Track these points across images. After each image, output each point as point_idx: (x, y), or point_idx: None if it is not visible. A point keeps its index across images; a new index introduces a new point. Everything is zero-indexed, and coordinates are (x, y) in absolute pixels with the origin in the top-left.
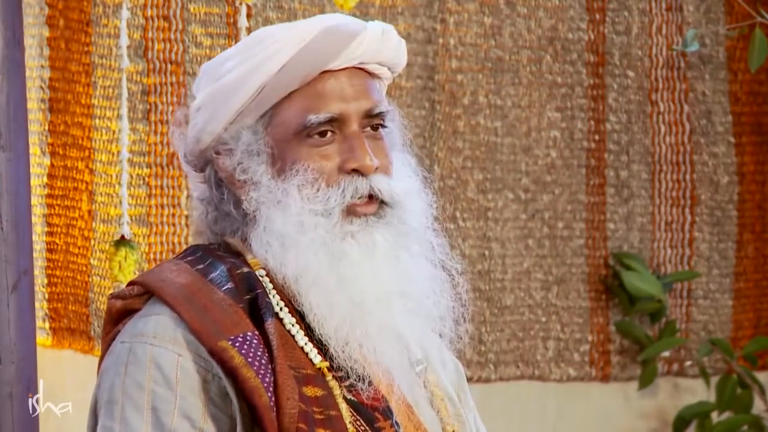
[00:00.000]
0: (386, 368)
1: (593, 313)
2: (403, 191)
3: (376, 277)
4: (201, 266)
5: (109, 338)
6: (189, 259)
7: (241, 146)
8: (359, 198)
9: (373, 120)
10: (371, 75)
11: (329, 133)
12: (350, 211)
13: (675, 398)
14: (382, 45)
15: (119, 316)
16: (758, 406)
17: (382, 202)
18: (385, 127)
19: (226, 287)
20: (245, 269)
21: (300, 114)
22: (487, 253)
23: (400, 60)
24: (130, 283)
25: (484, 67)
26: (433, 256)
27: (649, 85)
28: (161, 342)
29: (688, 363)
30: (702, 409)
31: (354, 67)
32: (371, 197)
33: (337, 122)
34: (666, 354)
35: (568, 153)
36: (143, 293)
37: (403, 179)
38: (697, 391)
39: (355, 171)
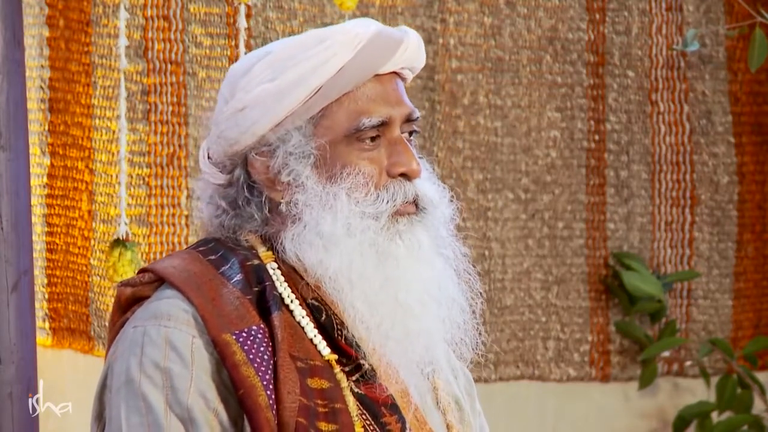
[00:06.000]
0: (397, 366)
1: (593, 313)
2: (439, 196)
3: (418, 277)
4: (213, 257)
5: (117, 326)
6: (201, 249)
7: (288, 148)
8: (406, 202)
9: (411, 125)
10: (402, 79)
11: (376, 138)
12: (396, 212)
13: (675, 398)
14: (419, 52)
15: (128, 303)
16: (758, 406)
17: (421, 206)
18: (417, 132)
19: (235, 279)
20: (256, 261)
21: (352, 117)
22: (487, 253)
23: (423, 63)
24: (141, 271)
25: (484, 67)
26: (458, 265)
27: (649, 85)
28: (175, 323)
29: (688, 363)
30: (702, 409)
31: (393, 72)
32: (414, 201)
33: (384, 126)
34: (666, 354)
35: (568, 153)
36: (153, 281)
37: (434, 185)
38: (697, 391)
39: (402, 175)
